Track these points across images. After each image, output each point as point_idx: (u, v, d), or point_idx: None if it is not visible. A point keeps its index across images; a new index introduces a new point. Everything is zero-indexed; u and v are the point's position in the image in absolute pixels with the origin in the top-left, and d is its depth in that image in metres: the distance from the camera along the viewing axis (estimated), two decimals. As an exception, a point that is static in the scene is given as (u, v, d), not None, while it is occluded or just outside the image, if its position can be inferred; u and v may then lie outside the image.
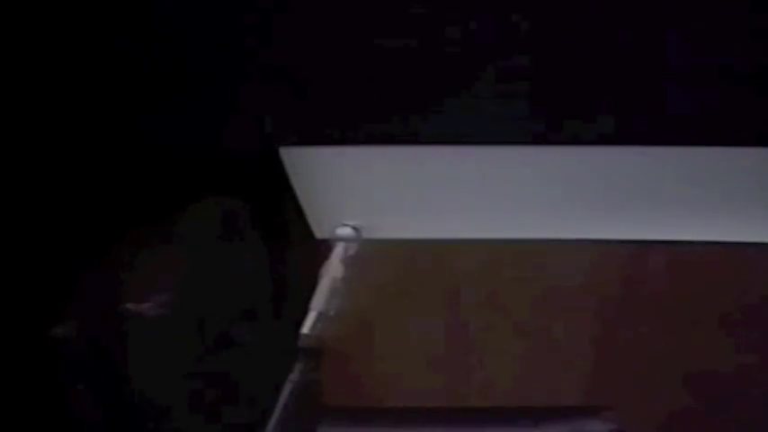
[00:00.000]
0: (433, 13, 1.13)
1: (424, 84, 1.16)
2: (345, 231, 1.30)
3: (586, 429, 1.29)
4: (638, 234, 1.29)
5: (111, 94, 1.17)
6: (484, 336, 1.34)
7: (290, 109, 1.19)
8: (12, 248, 1.17)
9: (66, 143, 1.18)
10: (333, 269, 1.29)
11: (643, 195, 1.26)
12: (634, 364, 1.33)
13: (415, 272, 1.35)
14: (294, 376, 1.24)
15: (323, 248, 1.31)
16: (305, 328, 1.24)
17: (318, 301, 1.26)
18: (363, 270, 1.30)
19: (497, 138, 1.19)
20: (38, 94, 1.16)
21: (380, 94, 1.17)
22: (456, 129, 1.18)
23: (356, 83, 1.17)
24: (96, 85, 1.17)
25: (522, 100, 1.17)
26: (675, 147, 1.19)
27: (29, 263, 1.18)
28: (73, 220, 1.19)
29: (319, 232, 1.31)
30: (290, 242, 1.32)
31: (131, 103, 1.18)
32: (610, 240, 1.30)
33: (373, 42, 1.14)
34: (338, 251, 1.31)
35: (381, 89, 1.17)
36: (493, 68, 1.15)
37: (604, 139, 1.18)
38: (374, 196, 1.29)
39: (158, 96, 1.17)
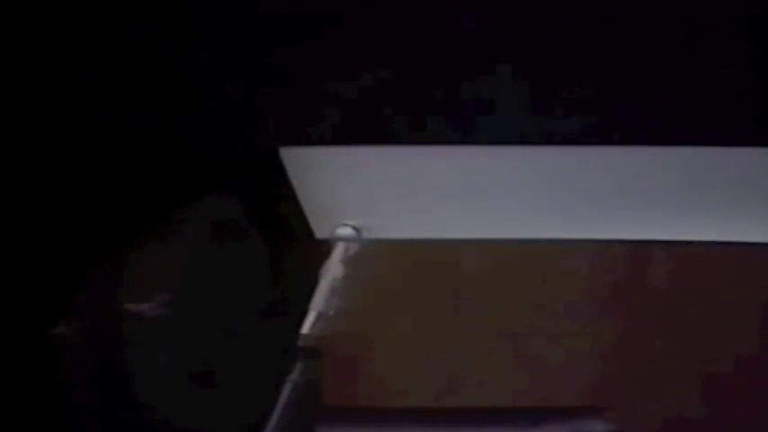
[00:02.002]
0: (434, 14, 1.13)
1: (424, 83, 1.16)
2: (345, 231, 1.30)
3: (586, 429, 1.29)
4: (638, 234, 1.29)
5: (111, 95, 1.17)
6: (484, 336, 1.35)
7: (290, 109, 1.19)
8: (12, 248, 1.17)
9: (65, 143, 1.18)
10: (333, 269, 1.30)
11: (643, 195, 1.26)
12: (634, 364, 1.33)
13: (416, 272, 1.35)
14: (294, 376, 1.25)
15: (323, 248, 1.31)
16: (305, 328, 1.24)
17: (318, 301, 1.26)
18: (363, 270, 1.30)
19: (498, 138, 1.19)
20: (37, 95, 1.16)
21: (381, 93, 1.17)
22: (456, 129, 1.18)
23: (356, 83, 1.17)
24: (97, 85, 1.17)
25: (522, 100, 1.17)
26: (675, 147, 1.19)
27: (29, 262, 1.18)
28: (73, 219, 1.19)
29: (319, 232, 1.31)
30: (290, 242, 1.32)
31: (131, 103, 1.18)
32: (610, 240, 1.30)
33: (373, 42, 1.14)
34: (338, 251, 1.31)
35: (382, 89, 1.17)
36: (493, 68, 1.15)
37: (604, 139, 1.19)
38: (374, 196, 1.30)
39: (158, 96, 1.17)
